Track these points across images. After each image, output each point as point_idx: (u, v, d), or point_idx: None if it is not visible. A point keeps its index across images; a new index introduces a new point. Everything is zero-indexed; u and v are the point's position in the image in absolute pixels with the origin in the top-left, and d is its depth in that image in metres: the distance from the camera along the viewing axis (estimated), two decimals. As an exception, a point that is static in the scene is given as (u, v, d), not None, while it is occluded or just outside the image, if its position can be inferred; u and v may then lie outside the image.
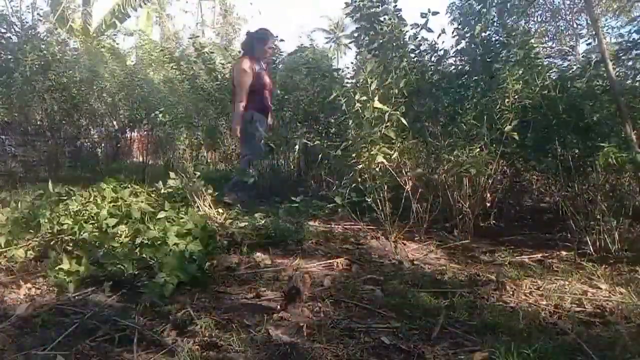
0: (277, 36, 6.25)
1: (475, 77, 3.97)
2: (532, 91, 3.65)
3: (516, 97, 3.54)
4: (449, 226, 3.99)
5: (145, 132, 9.35)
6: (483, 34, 3.94)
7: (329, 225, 4.03)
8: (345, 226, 4.01)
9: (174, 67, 8.27)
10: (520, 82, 3.52)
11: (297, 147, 6.05)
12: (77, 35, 13.17)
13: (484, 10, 3.92)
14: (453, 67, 4.37)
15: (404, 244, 3.51)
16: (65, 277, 2.55)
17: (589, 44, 6.77)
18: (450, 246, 3.57)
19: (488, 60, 3.87)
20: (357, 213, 3.78)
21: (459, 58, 4.26)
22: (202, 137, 9.00)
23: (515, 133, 3.46)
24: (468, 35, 3.99)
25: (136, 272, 2.60)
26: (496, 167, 3.75)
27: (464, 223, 3.77)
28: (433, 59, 4.26)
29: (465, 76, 4.12)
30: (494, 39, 3.98)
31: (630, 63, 3.76)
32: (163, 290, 2.38)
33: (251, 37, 5.40)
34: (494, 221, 4.22)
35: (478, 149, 3.60)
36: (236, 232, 3.32)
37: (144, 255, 2.68)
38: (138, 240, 2.90)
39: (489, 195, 4.05)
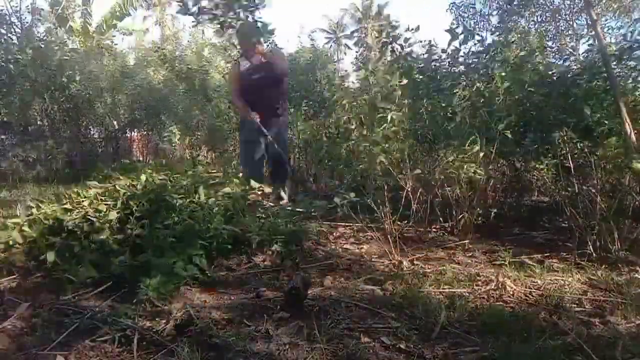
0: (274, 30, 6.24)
1: (473, 77, 3.96)
2: (533, 92, 3.64)
3: (515, 97, 3.53)
4: (448, 226, 3.98)
5: (145, 132, 9.36)
6: (483, 34, 3.94)
7: (328, 225, 4.03)
8: (345, 226, 4.00)
9: (168, 68, 8.27)
10: (518, 82, 3.51)
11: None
12: (77, 35, 13.15)
13: (487, 11, 3.92)
14: (452, 66, 4.37)
15: (404, 244, 3.50)
16: (65, 277, 2.55)
17: (590, 44, 6.77)
18: (450, 246, 3.56)
19: (487, 60, 3.87)
20: (357, 213, 3.77)
21: (458, 57, 4.25)
22: (202, 136, 9.01)
23: (509, 131, 3.44)
24: (469, 35, 3.98)
25: (136, 273, 2.59)
26: (495, 167, 3.75)
27: (464, 223, 3.77)
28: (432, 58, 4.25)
29: (462, 76, 4.11)
30: (493, 38, 3.98)
31: (631, 63, 3.74)
32: (163, 291, 2.37)
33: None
34: (494, 221, 4.21)
35: (477, 149, 3.59)
36: (236, 232, 3.31)
37: (143, 258, 2.67)
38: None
39: (489, 194, 4.04)
